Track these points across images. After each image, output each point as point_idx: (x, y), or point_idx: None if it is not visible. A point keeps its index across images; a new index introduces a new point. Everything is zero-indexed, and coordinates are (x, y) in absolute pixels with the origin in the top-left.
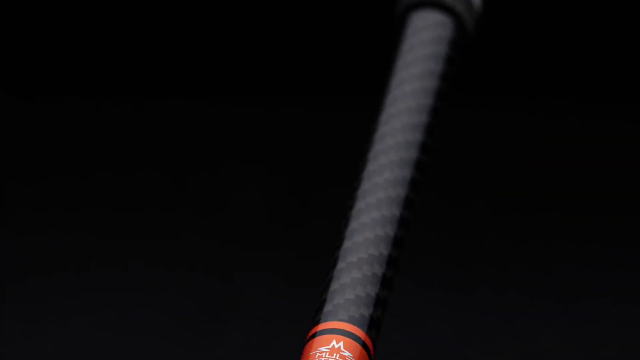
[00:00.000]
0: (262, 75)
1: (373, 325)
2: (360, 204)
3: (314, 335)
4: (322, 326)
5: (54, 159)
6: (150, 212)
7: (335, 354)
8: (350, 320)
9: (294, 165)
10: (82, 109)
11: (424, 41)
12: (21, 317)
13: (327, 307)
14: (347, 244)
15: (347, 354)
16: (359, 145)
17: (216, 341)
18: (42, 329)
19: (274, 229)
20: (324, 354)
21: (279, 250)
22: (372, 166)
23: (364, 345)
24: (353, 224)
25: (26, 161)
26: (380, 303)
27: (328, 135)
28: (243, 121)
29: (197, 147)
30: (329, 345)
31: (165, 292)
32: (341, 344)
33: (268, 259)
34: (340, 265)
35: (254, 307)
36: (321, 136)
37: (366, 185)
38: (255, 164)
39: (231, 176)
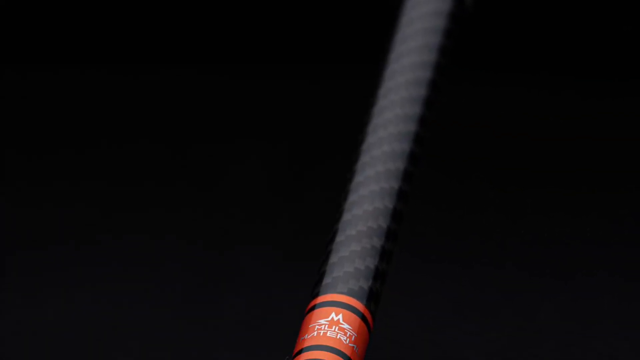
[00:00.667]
0: (260, 43)
1: (372, 298)
2: (359, 177)
3: (313, 308)
4: (321, 299)
5: (52, 131)
6: (149, 185)
7: (334, 327)
8: (350, 293)
9: (293, 136)
10: (80, 80)
11: (423, 14)
12: (20, 290)
13: (327, 280)
14: (346, 216)
15: (346, 326)
16: (358, 115)
17: (215, 313)
18: (41, 302)
19: (273, 201)
20: (323, 326)
21: (278, 223)
22: (371, 139)
23: (363, 317)
24: (352, 197)
25: (25, 133)
26: (379, 276)
27: (327, 104)
28: (241, 92)
29: (196, 119)
30: (328, 317)
31: (164, 264)
32: (340, 316)
33: (267, 231)
34: (340, 238)
35: (253, 280)
36: (320, 105)
37: (365, 158)
38: (254, 135)
39: (230, 148)
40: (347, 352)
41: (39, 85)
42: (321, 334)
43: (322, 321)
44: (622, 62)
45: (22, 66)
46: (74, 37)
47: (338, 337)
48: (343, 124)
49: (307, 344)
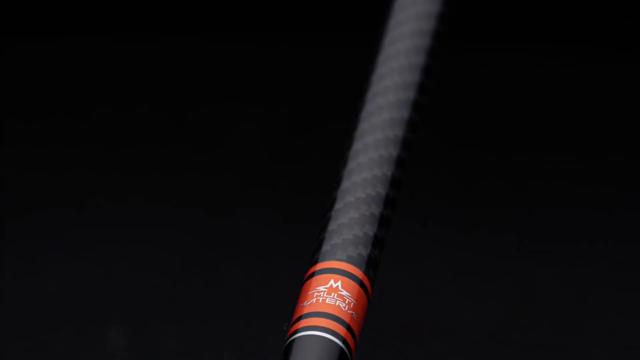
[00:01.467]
0: (259, 10)
1: (371, 265)
2: (358, 145)
3: (312, 275)
4: (320, 266)
5: (52, 96)
6: (149, 148)
7: (333, 294)
8: (348, 260)
9: (292, 102)
10: (80, 46)
11: None
12: (20, 255)
13: (325, 247)
14: (345, 184)
15: (345, 293)
16: (357, 82)
17: (215, 278)
18: (41, 266)
19: (272, 165)
20: (322, 293)
21: (277, 188)
22: (370, 107)
23: (361, 284)
24: (351, 164)
25: (25, 99)
26: (378, 243)
27: (326, 72)
28: (241, 58)
29: (195, 84)
30: (327, 284)
31: (164, 228)
32: (339, 283)
33: (267, 195)
34: (338, 205)
35: (253, 245)
36: (319, 73)
37: (364, 125)
38: (253, 101)
39: (229, 113)
40: (346, 319)
41: (42, 52)
42: (320, 300)
43: (321, 288)
44: (622, 31)
45: (25, 36)
46: (76, 6)
47: (337, 304)
48: (342, 91)
49: (305, 310)
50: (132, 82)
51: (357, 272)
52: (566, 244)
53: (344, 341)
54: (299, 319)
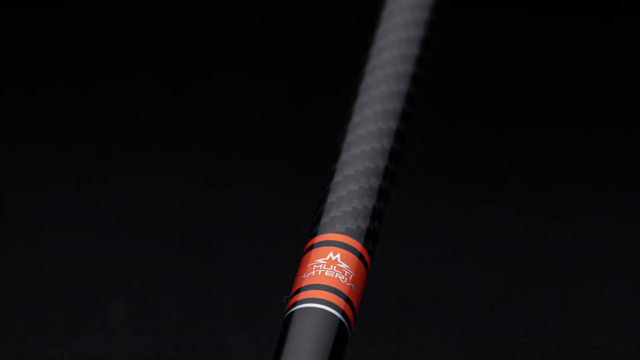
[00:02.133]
0: None
1: (370, 238)
2: (357, 117)
3: (311, 247)
4: (319, 238)
5: (53, 69)
6: (149, 122)
7: (332, 266)
8: (347, 233)
9: (292, 75)
10: (80, 19)
11: None
12: (20, 227)
13: (324, 220)
14: (344, 156)
15: (344, 265)
16: (356, 55)
17: (214, 250)
18: (41, 239)
19: (272, 138)
20: (321, 265)
21: (277, 160)
22: (369, 80)
23: (360, 257)
24: (350, 137)
25: (26, 71)
26: (377, 215)
27: (325, 45)
28: (241, 31)
29: (195, 57)
30: (326, 257)
31: (164, 201)
32: (338, 255)
33: (266, 168)
34: (337, 178)
35: (252, 217)
36: (318, 45)
37: (363, 98)
38: (253, 74)
39: (229, 86)
40: (345, 292)
41: (42, 26)
42: (319, 273)
43: (320, 260)
44: (620, 3)
45: (26, 9)
46: None
47: (336, 277)
48: (341, 64)
49: (305, 283)
50: (133, 56)
51: (356, 244)
52: (565, 218)
53: (342, 313)
54: (298, 291)
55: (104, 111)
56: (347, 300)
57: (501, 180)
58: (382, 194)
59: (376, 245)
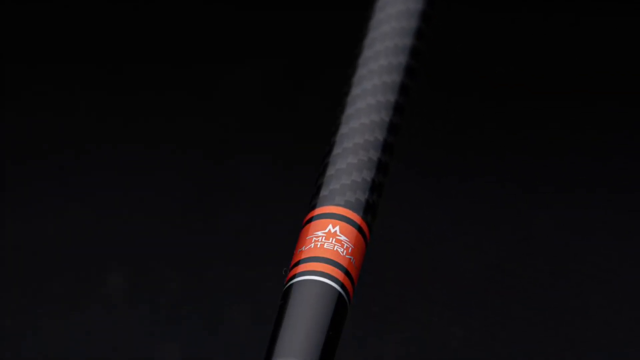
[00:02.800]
0: None
1: (369, 210)
2: (356, 90)
3: (310, 220)
4: (318, 211)
5: (53, 42)
6: (149, 95)
7: (331, 238)
8: (346, 205)
9: (291, 48)
10: None
11: None
12: (20, 200)
13: (323, 192)
14: (343, 129)
15: (343, 238)
16: (355, 28)
17: (214, 223)
18: (41, 212)
19: (271, 112)
20: (320, 238)
21: (276, 134)
22: (367, 53)
23: (359, 229)
24: (349, 110)
25: (25, 45)
26: (376, 188)
27: (324, 17)
28: (240, 4)
29: (195, 31)
30: (325, 229)
31: (164, 174)
32: (337, 228)
33: (265, 141)
34: (336, 150)
35: (251, 190)
36: (317, 18)
37: (362, 71)
38: (253, 47)
39: (229, 60)
40: (344, 264)
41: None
42: (318, 245)
43: (320, 233)
44: None
45: None
46: None
47: (335, 249)
48: (340, 37)
49: (304, 255)
50: (132, 29)
51: (355, 217)
52: (565, 191)
53: (342, 286)
54: (298, 263)
55: (103, 84)
56: (346, 272)
57: (500, 155)
58: (381, 167)
59: (375, 218)
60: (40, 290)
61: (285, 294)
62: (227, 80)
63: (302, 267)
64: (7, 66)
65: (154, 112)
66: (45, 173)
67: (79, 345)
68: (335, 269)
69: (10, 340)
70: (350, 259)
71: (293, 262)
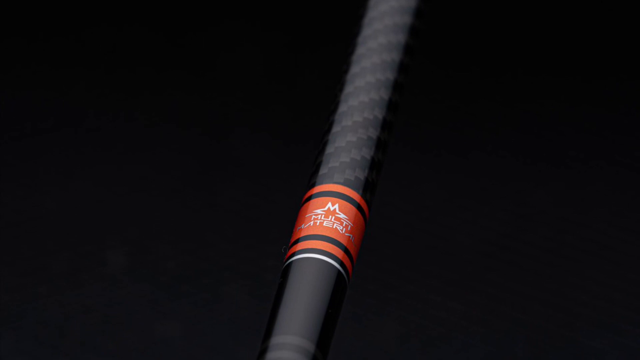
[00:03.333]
0: None
1: (368, 188)
2: (355, 69)
3: (309, 198)
4: (317, 189)
5: (51, 18)
6: (148, 71)
7: (330, 216)
8: (346, 183)
9: (290, 25)
10: None
11: None
12: (19, 176)
13: (323, 170)
14: (342, 107)
15: (342, 216)
16: (355, 6)
17: (213, 200)
18: (40, 187)
19: (271, 88)
20: (319, 216)
21: (275, 110)
22: (366, 31)
23: (359, 207)
24: (348, 88)
25: (23, 20)
26: (375, 166)
27: None
28: None
29: (194, 6)
30: (324, 207)
31: (163, 150)
32: (336, 206)
33: (265, 118)
34: (336, 128)
35: (250, 167)
36: None
37: (361, 49)
38: (252, 23)
39: (228, 36)
40: (343, 242)
41: None
42: (317, 223)
43: (319, 211)
44: None
45: None
46: None
47: (334, 227)
48: (339, 15)
49: (303, 233)
50: (131, 6)
51: (354, 194)
52: (562, 166)
53: (341, 264)
54: (297, 241)
55: (102, 60)
56: (346, 250)
57: (497, 129)
58: (380, 145)
59: (374, 195)
60: (40, 267)
61: (284, 272)
62: (225, 56)
63: (301, 245)
64: (5, 41)
65: (153, 88)
66: (44, 149)
67: (78, 321)
68: (335, 247)
69: (9, 316)
70: (349, 236)
71: (292, 240)
